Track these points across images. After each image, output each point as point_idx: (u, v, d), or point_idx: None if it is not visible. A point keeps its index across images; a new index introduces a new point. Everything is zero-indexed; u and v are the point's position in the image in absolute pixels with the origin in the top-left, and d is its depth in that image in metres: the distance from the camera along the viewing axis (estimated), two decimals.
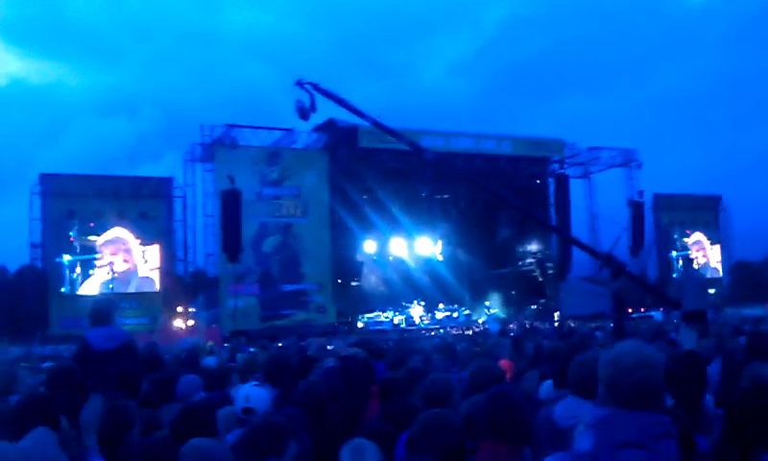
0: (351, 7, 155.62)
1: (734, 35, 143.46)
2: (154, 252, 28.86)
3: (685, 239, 37.79)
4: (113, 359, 5.58)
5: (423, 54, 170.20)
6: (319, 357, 6.25)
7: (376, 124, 7.80)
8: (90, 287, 27.52)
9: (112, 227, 28.18)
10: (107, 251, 28.12)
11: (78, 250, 27.80)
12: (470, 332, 25.68)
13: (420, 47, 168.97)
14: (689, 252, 37.36)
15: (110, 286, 27.89)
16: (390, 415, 4.33)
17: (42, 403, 3.32)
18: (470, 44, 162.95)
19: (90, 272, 27.89)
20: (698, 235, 38.13)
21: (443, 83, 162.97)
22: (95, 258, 27.94)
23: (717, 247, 38.61)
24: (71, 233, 27.68)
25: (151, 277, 28.82)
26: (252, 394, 4.37)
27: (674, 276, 34.59)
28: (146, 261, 28.76)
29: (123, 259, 28.43)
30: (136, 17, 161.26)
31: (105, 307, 6.22)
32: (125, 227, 28.39)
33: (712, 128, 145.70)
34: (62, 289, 27.31)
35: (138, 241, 28.60)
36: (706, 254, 37.96)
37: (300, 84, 7.15)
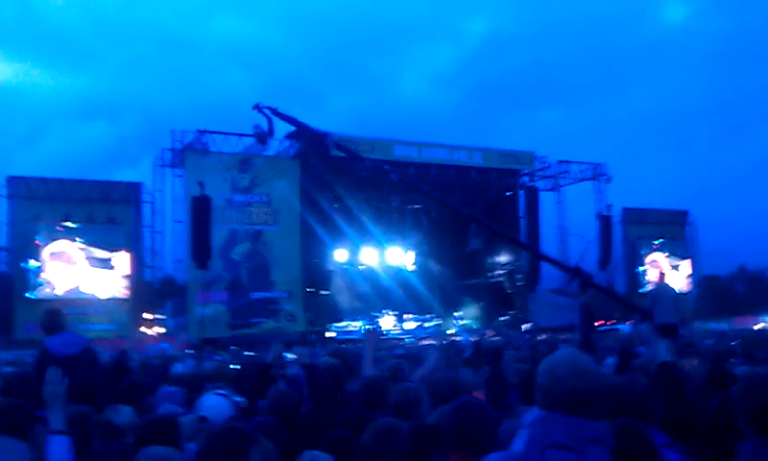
0: (331, 16, 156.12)
1: (711, 54, 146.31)
2: (122, 258, 28.52)
3: (653, 253, 38.22)
4: (74, 364, 5.54)
5: (402, 64, 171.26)
6: (276, 364, 6.25)
7: (339, 146, 7.83)
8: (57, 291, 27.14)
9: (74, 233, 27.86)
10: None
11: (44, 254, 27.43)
12: (441, 342, 25.64)
13: (399, 57, 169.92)
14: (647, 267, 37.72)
15: (76, 287, 27.53)
16: (351, 425, 4.31)
17: (8, 412, 3.25)
18: (450, 56, 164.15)
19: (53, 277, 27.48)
20: (658, 254, 38.47)
21: (421, 93, 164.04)
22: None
23: (685, 261, 39.10)
24: (37, 237, 27.29)
25: (115, 286, 28.39)
26: (210, 402, 4.34)
27: (644, 289, 34.92)
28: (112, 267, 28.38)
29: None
30: (113, 21, 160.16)
31: (55, 315, 6.17)
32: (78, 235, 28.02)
33: (685, 145, 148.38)
34: (27, 294, 26.84)
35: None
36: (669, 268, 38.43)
37: (258, 108, 7.12)
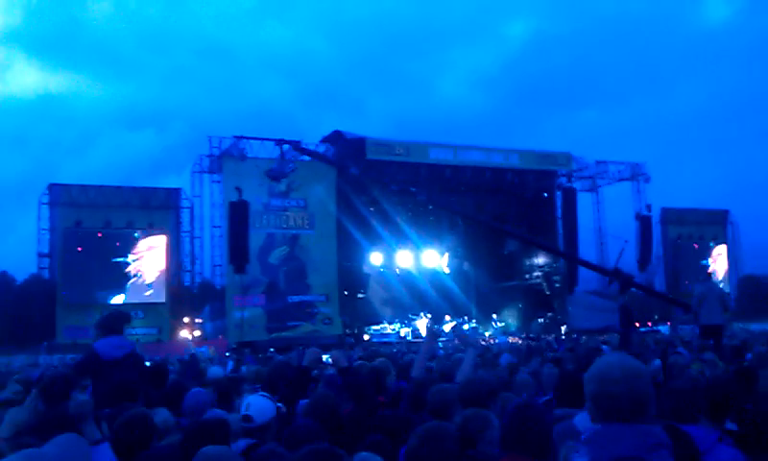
0: (370, 22, 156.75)
1: (753, 53, 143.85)
2: (162, 263, 28.97)
3: (709, 251, 37.75)
4: (121, 367, 5.67)
5: (441, 67, 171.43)
6: (313, 367, 6.26)
7: (359, 176, 7.89)
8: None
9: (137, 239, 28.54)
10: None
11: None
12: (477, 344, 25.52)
13: (438, 61, 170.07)
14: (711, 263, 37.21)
15: (122, 297, 28.09)
16: (390, 427, 4.31)
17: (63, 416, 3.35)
18: (488, 59, 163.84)
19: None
20: (720, 248, 38.06)
21: (459, 96, 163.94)
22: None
23: (725, 260, 38.47)
24: (81, 245, 27.90)
25: (158, 282, 28.91)
26: (252, 402, 4.38)
27: (695, 287, 34.34)
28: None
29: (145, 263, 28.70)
30: (156, 31, 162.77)
31: (115, 321, 6.29)
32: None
33: (726, 144, 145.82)
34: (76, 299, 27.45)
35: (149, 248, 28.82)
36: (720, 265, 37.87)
37: (280, 143, 7.26)
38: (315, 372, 6.12)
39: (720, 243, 38.28)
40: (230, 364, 13.09)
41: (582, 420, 3.63)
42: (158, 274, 29.04)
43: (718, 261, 37.76)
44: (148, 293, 28.77)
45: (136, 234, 28.77)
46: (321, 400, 4.49)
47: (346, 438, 3.86)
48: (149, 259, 28.85)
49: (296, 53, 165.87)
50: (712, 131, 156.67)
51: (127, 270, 28.59)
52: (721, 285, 30.94)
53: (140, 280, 28.81)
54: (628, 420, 2.30)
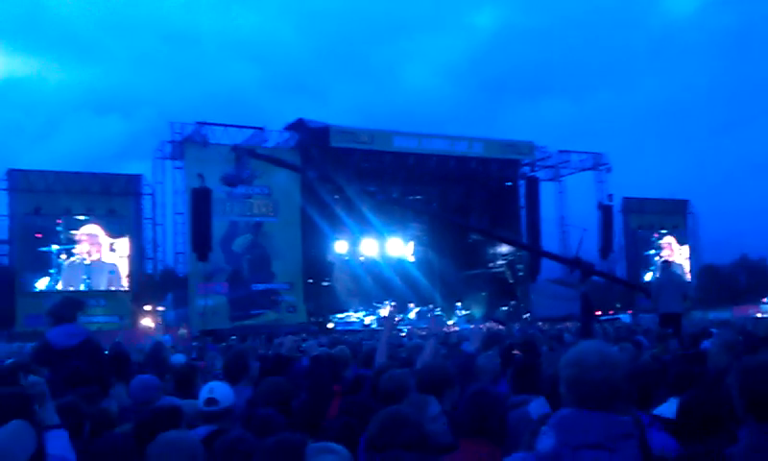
0: (336, 8, 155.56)
1: (715, 48, 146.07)
2: (123, 245, 28.57)
3: (659, 241, 38.26)
4: (74, 356, 5.54)
5: (406, 56, 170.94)
6: (293, 356, 6.23)
7: (317, 179, 7.88)
8: (60, 283, 27.20)
9: (81, 224, 27.88)
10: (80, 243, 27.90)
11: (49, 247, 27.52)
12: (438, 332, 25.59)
13: (403, 49, 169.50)
14: (661, 253, 37.75)
15: (84, 278, 27.59)
16: (349, 413, 4.29)
17: (15, 396, 3.26)
18: (454, 48, 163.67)
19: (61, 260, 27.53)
20: (669, 238, 38.61)
21: (424, 85, 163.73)
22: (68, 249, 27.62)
23: (685, 250, 39.12)
24: (39, 231, 27.37)
25: (118, 265, 28.44)
26: (215, 386, 4.31)
27: (650, 278, 34.88)
28: (114, 251, 28.41)
29: (93, 250, 28.13)
30: (119, 15, 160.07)
31: (68, 308, 6.15)
32: (94, 223, 28.09)
33: (687, 136, 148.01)
34: (36, 286, 26.91)
35: (107, 234, 28.34)
36: (675, 256, 38.43)
37: (236, 149, 7.24)
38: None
39: (671, 233, 38.79)
40: (194, 353, 13.00)
41: (536, 407, 3.66)
42: (119, 261, 28.63)
43: (667, 251, 38.27)
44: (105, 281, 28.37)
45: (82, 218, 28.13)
46: (274, 387, 4.45)
47: (297, 427, 3.82)
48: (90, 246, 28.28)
49: (262, 39, 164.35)
50: (674, 122, 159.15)
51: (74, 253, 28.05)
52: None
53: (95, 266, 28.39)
54: (599, 407, 2.30)
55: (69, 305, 6.24)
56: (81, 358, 5.50)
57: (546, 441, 2.31)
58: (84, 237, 27.88)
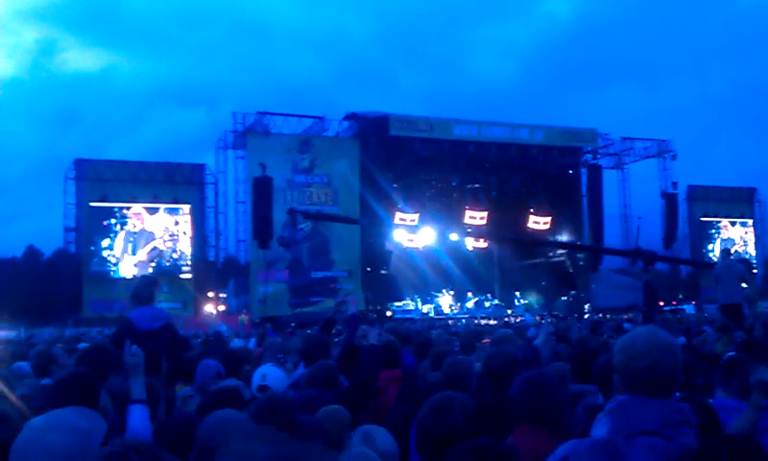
0: None
1: None
2: (186, 233, 29.27)
3: (723, 230, 37.27)
4: (156, 339, 5.64)
5: (473, 43, 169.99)
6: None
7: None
8: (126, 271, 27.94)
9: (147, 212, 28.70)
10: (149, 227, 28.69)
11: (112, 232, 28.30)
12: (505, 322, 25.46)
13: (471, 37, 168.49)
14: (727, 242, 36.76)
15: (152, 265, 28.34)
16: (407, 398, 4.33)
17: (80, 380, 3.36)
18: (522, 34, 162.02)
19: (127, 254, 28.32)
20: (739, 228, 37.60)
21: (489, 72, 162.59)
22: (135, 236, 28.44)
23: (753, 239, 38.01)
24: (105, 219, 28.18)
25: (186, 252, 29.12)
26: (268, 373, 4.40)
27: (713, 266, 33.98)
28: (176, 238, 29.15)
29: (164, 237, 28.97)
30: (188, 6, 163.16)
31: (146, 288, 6.30)
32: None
33: (754, 123, 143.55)
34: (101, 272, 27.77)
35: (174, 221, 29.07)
36: (740, 245, 37.36)
37: (291, 211, 7.33)
38: None
39: (738, 222, 37.71)
40: (253, 339, 13.19)
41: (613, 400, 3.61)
42: (184, 248, 29.30)
43: (728, 237, 37.21)
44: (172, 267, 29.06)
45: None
46: (321, 369, 4.53)
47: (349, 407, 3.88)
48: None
49: (330, 30, 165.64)
50: (741, 109, 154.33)
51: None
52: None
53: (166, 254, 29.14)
54: (653, 394, 2.27)
55: (148, 285, 6.41)
56: (161, 342, 5.63)
57: (600, 428, 2.29)
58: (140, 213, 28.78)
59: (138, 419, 3.35)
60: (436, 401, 3.13)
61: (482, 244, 33.93)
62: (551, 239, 35.55)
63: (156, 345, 5.18)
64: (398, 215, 29.94)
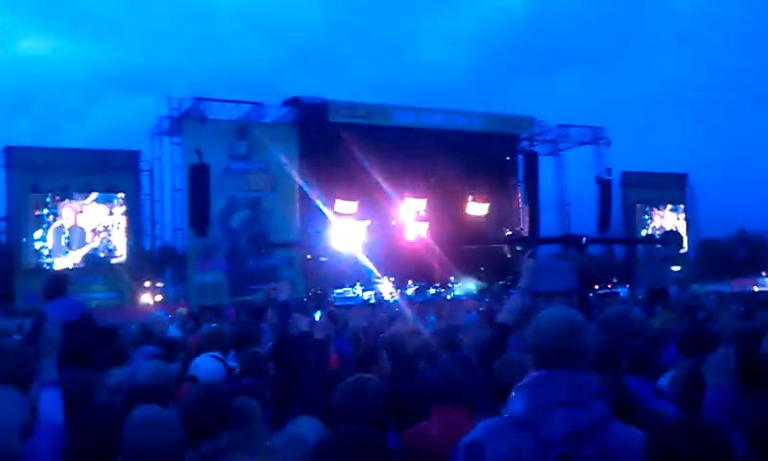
0: None
1: (722, 24, 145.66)
2: (120, 221, 28.59)
3: (656, 216, 38.22)
4: (74, 330, 5.54)
5: (418, 32, 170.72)
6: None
7: None
8: (61, 262, 27.17)
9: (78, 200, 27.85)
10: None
11: (44, 223, 27.47)
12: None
13: (416, 25, 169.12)
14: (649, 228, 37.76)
15: (83, 253, 27.63)
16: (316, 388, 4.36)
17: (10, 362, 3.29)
18: (469, 24, 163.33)
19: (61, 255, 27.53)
20: (668, 212, 38.60)
21: (435, 61, 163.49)
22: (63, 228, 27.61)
23: (683, 224, 39.13)
24: (38, 208, 27.33)
25: (121, 242, 28.48)
26: (201, 363, 4.35)
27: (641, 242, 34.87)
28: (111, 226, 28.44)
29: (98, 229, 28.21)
30: None
31: (59, 280, 6.18)
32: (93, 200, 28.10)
33: (687, 111, 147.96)
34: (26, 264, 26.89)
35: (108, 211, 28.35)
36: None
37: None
38: None
39: (672, 206, 38.79)
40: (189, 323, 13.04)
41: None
42: (119, 238, 28.64)
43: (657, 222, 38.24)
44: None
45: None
46: (251, 358, 4.50)
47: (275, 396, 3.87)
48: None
49: (275, 14, 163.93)
50: (676, 98, 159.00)
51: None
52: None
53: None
54: (563, 367, 2.33)
55: (60, 281, 6.28)
56: (80, 332, 5.51)
57: (517, 404, 2.34)
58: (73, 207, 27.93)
59: (50, 402, 3.26)
60: (349, 385, 3.14)
61: (422, 229, 34.08)
62: (488, 226, 36.04)
63: (76, 336, 5.09)
64: (338, 202, 29.78)
